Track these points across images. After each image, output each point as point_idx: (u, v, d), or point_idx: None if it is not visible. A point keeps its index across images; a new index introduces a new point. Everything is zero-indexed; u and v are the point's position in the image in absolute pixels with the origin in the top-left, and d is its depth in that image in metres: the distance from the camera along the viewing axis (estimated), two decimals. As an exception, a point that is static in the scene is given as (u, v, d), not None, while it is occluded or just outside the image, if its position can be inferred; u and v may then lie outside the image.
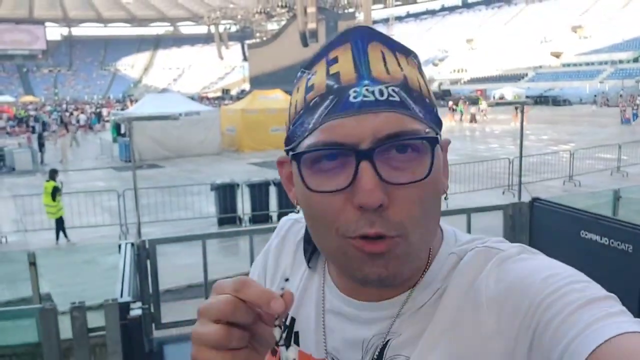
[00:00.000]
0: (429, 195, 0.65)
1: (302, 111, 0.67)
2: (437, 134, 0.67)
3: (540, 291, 0.59)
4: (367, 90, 0.63)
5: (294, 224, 0.89)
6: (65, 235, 10.43)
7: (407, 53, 0.69)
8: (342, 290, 0.75)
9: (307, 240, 0.81)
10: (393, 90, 0.63)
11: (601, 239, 4.29)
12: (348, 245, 0.63)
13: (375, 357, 0.71)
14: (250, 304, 0.53)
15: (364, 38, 0.66)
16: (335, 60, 0.66)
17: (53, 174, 10.60)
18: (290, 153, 0.68)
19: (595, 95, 45.26)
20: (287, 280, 0.58)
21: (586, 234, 4.41)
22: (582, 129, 26.85)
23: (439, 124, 0.69)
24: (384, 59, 0.65)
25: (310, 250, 0.81)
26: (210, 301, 0.54)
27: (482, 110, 36.10)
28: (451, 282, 0.68)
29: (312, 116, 0.65)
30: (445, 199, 0.71)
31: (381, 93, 0.63)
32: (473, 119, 34.05)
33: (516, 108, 31.34)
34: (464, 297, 0.66)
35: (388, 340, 0.70)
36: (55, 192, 10.23)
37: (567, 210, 4.85)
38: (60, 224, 10.39)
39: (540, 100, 47.67)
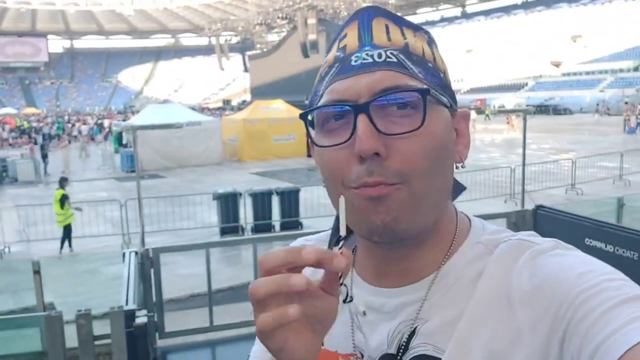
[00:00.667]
0: (431, 149, 0.66)
1: (317, 84, 0.75)
2: (441, 94, 0.69)
3: (575, 287, 0.58)
4: (366, 54, 0.68)
5: (304, 244, 0.87)
6: (70, 245, 10.42)
7: (416, 29, 0.73)
8: (366, 279, 0.76)
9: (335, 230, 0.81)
10: (392, 53, 0.68)
11: (606, 247, 4.26)
12: (353, 195, 0.66)
13: (401, 345, 0.70)
14: (319, 265, 0.54)
15: (370, 14, 0.72)
16: (345, 35, 0.72)
17: (62, 183, 10.70)
18: (301, 117, 0.72)
19: (597, 104, 45.27)
20: (343, 238, 0.59)
21: (591, 242, 4.38)
22: (584, 138, 26.86)
23: (446, 88, 0.71)
24: (387, 30, 0.70)
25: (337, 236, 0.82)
26: (268, 255, 0.55)
27: (472, 119, 35.96)
28: (484, 274, 0.68)
29: (322, 84, 0.72)
30: (462, 167, 0.73)
31: (379, 55, 0.68)
32: None
33: (509, 117, 31.37)
34: (497, 290, 0.66)
35: (415, 328, 0.69)
36: (63, 200, 10.28)
37: (572, 217, 4.83)
38: (67, 233, 10.42)
39: (541, 109, 47.74)
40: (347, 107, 0.66)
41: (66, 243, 10.44)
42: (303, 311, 0.53)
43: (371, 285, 0.75)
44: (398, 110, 0.65)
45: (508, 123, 32.39)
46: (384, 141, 0.64)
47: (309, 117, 0.72)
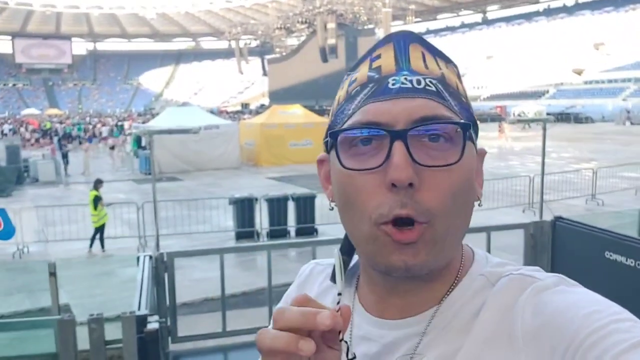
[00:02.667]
0: (460, 186, 0.65)
1: (343, 102, 0.71)
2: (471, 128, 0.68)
3: (582, 328, 0.56)
4: (405, 79, 0.67)
5: (314, 267, 0.89)
6: (91, 245, 10.54)
7: (448, 60, 0.72)
8: (368, 308, 0.75)
9: (344, 251, 0.81)
10: (430, 82, 0.67)
11: (627, 261, 4.18)
12: (380, 231, 0.64)
13: None
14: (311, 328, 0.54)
15: (406, 39, 0.71)
16: (379, 56, 0.71)
17: (97, 184, 10.81)
18: (329, 134, 0.70)
19: (628, 112, 44.39)
20: (340, 294, 0.58)
21: (611, 255, 4.30)
22: (605, 147, 26.44)
23: (474, 123, 0.70)
24: (423, 57, 0.70)
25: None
26: (285, 314, 0.55)
27: None
28: (483, 309, 0.66)
29: (352, 103, 0.69)
30: (479, 205, 0.72)
31: (419, 82, 0.66)
32: None
33: (500, 125, 30.74)
34: (497, 327, 0.64)
35: None
36: (96, 201, 10.44)
37: (591, 230, 4.74)
38: (100, 232, 10.59)
39: (562, 117, 47.19)
40: (383, 132, 0.63)
41: (96, 242, 10.58)
42: None
43: (372, 316, 0.74)
44: (430, 142, 0.64)
45: (500, 131, 31.71)
46: (417, 172, 0.62)
47: (334, 137, 0.68)
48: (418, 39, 0.71)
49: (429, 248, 0.64)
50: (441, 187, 0.63)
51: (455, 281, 0.71)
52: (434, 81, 0.67)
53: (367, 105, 0.66)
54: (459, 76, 0.73)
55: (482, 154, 0.73)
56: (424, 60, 0.69)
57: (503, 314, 0.64)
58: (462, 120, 0.65)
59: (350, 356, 0.57)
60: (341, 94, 0.73)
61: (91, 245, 10.53)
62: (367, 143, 0.65)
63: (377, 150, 0.64)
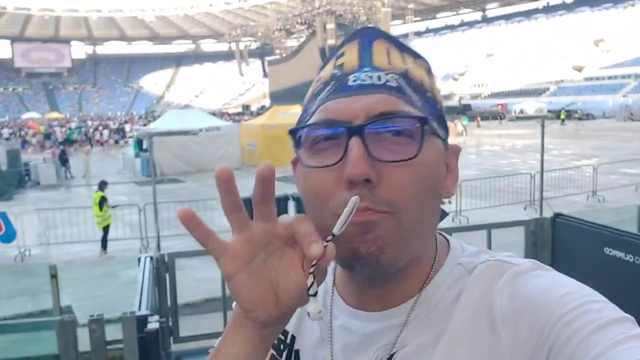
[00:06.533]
0: (422, 180, 0.64)
1: (307, 101, 0.72)
2: (436, 122, 0.68)
3: (556, 309, 0.58)
4: (366, 75, 0.66)
5: None
6: (105, 247, 10.53)
7: (416, 55, 0.71)
8: (347, 300, 0.74)
9: None
10: (392, 77, 0.66)
11: (626, 256, 4.18)
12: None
13: None
14: (298, 237, 0.57)
15: (371, 35, 0.70)
16: (343, 54, 0.70)
17: (102, 185, 10.84)
18: (289, 132, 0.69)
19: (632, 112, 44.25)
20: (333, 236, 0.57)
21: (610, 251, 4.30)
22: (606, 144, 26.40)
23: (441, 120, 0.69)
24: (388, 53, 0.69)
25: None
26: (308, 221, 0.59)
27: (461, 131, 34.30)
28: (462, 296, 0.66)
29: (315, 101, 0.69)
30: (449, 202, 0.71)
31: (379, 78, 0.65)
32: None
33: (456, 122, 30.37)
34: (476, 312, 0.64)
35: (393, 353, 0.68)
36: (102, 203, 10.47)
37: (591, 226, 4.74)
38: (106, 234, 10.60)
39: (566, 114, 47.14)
40: (341, 129, 0.62)
41: (98, 243, 10.55)
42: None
43: (351, 308, 0.73)
44: (393, 137, 0.63)
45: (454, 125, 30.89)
46: (376, 168, 0.61)
47: (297, 136, 0.68)
48: (384, 35, 0.70)
49: (390, 237, 0.62)
50: (402, 180, 0.62)
51: (432, 271, 0.70)
52: (395, 76, 0.66)
53: (327, 102, 0.65)
54: (429, 71, 0.72)
55: (455, 150, 0.73)
56: (388, 56, 0.68)
57: (481, 300, 0.65)
58: (421, 115, 0.64)
59: (311, 292, 0.56)
60: (308, 95, 0.72)
61: (104, 247, 10.50)
62: (329, 139, 0.64)
63: (337, 147, 0.63)
